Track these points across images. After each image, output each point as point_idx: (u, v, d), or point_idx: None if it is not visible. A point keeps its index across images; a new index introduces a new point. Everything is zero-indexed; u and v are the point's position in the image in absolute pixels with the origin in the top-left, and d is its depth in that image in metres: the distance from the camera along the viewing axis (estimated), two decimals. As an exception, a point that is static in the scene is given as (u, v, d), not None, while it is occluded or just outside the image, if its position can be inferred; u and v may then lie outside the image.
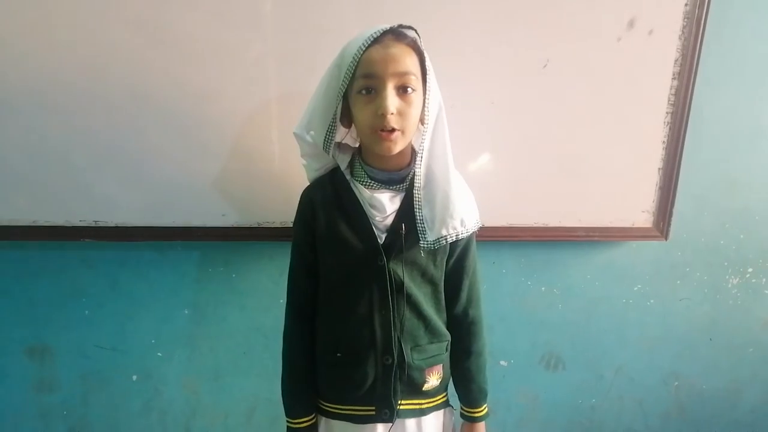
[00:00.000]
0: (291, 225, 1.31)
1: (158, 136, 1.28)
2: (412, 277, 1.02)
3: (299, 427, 1.08)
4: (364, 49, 0.88)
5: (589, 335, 1.59)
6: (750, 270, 1.60)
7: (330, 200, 1.03)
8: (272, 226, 1.35)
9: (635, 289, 1.58)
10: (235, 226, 1.35)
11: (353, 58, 0.88)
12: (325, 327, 1.07)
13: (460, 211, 0.98)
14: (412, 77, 0.90)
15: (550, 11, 1.28)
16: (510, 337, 1.55)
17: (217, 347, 1.49)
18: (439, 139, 0.95)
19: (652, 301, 1.59)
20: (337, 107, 0.95)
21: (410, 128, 0.93)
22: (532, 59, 1.31)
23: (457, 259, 1.07)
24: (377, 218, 1.00)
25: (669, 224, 1.46)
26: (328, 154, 1.01)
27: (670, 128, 1.39)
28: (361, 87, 0.91)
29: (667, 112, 1.38)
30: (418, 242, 0.98)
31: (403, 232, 0.98)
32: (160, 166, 1.30)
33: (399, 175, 1.01)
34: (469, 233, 1.02)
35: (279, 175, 1.32)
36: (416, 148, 0.99)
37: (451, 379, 1.15)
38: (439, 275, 1.06)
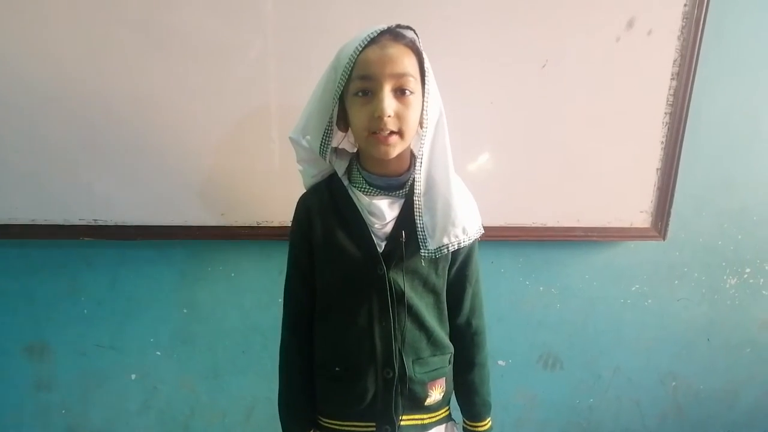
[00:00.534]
0: (290, 224, 1.31)
1: (157, 135, 1.28)
2: (413, 286, 0.98)
3: None
4: (360, 49, 0.85)
5: (587, 335, 1.60)
6: (748, 270, 1.60)
7: (327, 207, 0.99)
8: (271, 225, 1.36)
9: (633, 289, 1.58)
10: (234, 225, 1.35)
11: (349, 59, 0.85)
12: (323, 339, 1.03)
13: (461, 218, 0.94)
14: (410, 79, 0.87)
15: (549, 11, 1.28)
16: (508, 337, 1.56)
17: (215, 346, 1.49)
18: (440, 144, 0.92)
19: (650, 301, 1.59)
20: (333, 110, 0.92)
21: (409, 132, 0.89)
22: (531, 59, 1.31)
23: (459, 268, 1.04)
24: (376, 226, 0.96)
25: (667, 224, 1.46)
26: (325, 159, 0.98)
27: (668, 128, 1.39)
28: (357, 89, 0.87)
29: (665, 113, 1.38)
30: (419, 250, 0.94)
31: (403, 240, 0.94)
32: (159, 165, 1.30)
33: (398, 181, 0.97)
34: (472, 241, 0.99)
35: (278, 175, 1.32)
36: (415, 152, 0.96)
37: (453, 392, 1.11)
38: (442, 284, 1.02)
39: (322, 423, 1.06)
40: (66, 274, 1.41)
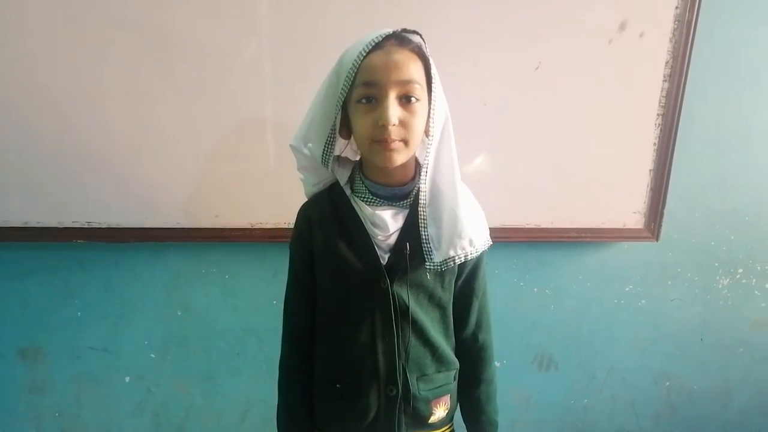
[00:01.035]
0: (284, 226, 1.32)
1: (151, 137, 1.28)
2: (418, 300, 0.95)
3: None
4: (364, 54, 0.81)
5: (581, 336, 1.60)
6: (740, 270, 1.61)
7: (329, 218, 0.95)
8: (265, 227, 1.36)
9: (627, 289, 1.58)
10: (228, 227, 1.35)
11: (353, 64, 0.82)
12: (324, 355, 1.00)
13: (468, 229, 0.90)
14: (416, 86, 0.83)
15: (542, 13, 1.29)
16: (502, 338, 1.55)
17: (210, 348, 1.49)
18: (446, 153, 0.88)
19: (643, 301, 1.60)
20: (336, 117, 0.89)
21: (414, 140, 0.85)
22: (524, 61, 1.32)
23: (465, 280, 1.00)
24: (379, 237, 0.92)
25: (660, 225, 1.47)
26: (327, 168, 0.94)
27: (660, 130, 1.40)
28: (360, 96, 0.84)
29: (657, 114, 1.39)
30: (424, 263, 0.91)
31: (408, 252, 0.90)
32: (152, 168, 1.30)
33: (402, 191, 0.93)
34: (479, 253, 0.95)
35: (272, 177, 1.32)
36: (420, 161, 0.93)
37: (458, 409, 1.08)
38: (448, 298, 0.98)
39: None
40: (60, 276, 1.40)
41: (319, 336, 1.01)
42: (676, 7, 1.32)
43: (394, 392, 0.94)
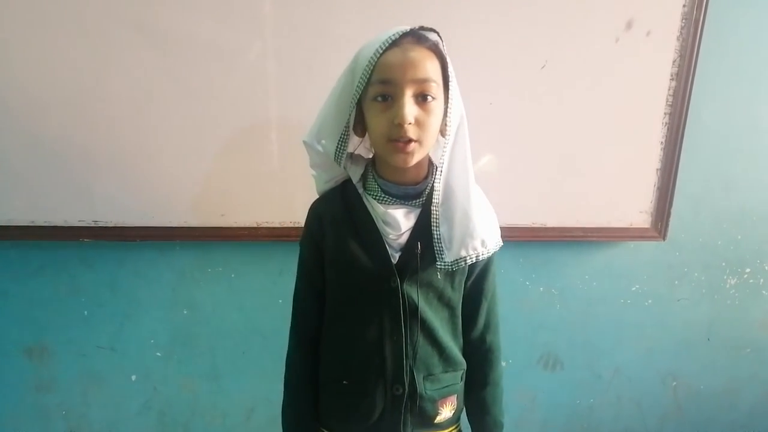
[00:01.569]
0: (290, 225, 1.32)
1: (157, 136, 1.28)
2: (428, 300, 0.94)
3: None
4: (381, 52, 0.80)
5: (587, 335, 1.60)
6: (748, 270, 1.61)
7: (340, 216, 0.94)
8: (271, 226, 1.36)
9: (633, 289, 1.58)
10: (233, 225, 1.35)
11: (369, 61, 0.81)
12: (332, 352, 0.99)
13: (480, 230, 0.90)
14: (433, 84, 0.82)
15: (549, 12, 1.29)
16: (508, 338, 1.53)
17: (215, 347, 1.49)
18: (460, 153, 0.87)
19: (650, 301, 1.59)
20: (350, 115, 0.88)
21: (429, 139, 0.85)
22: (531, 60, 1.31)
23: (475, 281, 0.99)
24: (391, 236, 0.91)
25: (667, 225, 1.46)
26: (340, 165, 0.93)
27: (668, 129, 1.39)
28: (376, 93, 0.83)
29: (665, 113, 1.38)
30: (435, 263, 0.90)
31: (419, 252, 0.89)
32: (158, 167, 1.30)
33: (415, 190, 0.92)
34: (490, 254, 0.94)
35: (278, 175, 1.32)
36: (434, 159, 0.93)
37: (464, 410, 1.07)
38: (457, 298, 0.98)
39: None
40: (66, 275, 1.41)
41: (326, 333, 1.00)
42: (684, 6, 1.32)
43: (401, 391, 0.94)
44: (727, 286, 1.62)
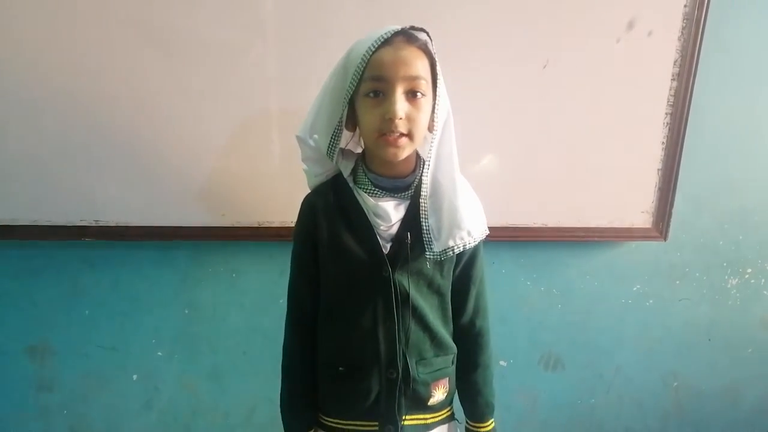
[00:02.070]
0: (291, 225, 1.31)
1: (158, 136, 1.28)
2: (418, 288, 0.98)
3: None
4: (373, 50, 0.84)
5: (588, 335, 1.60)
6: (749, 270, 1.61)
7: (332, 208, 0.98)
8: (272, 225, 1.36)
9: (634, 289, 1.58)
10: (235, 225, 1.35)
11: (362, 59, 0.85)
12: (327, 340, 1.03)
13: (467, 220, 0.94)
14: (423, 82, 0.86)
15: (550, 12, 1.29)
16: (509, 338, 1.56)
17: (217, 347, 1.49)
18: (446, 147, 0.92)
19: (651, 301, 1.59)
20: (343, 111, 0.91)
21: (418, 134, 0.89)
22: (532, 60, 1.31)
23: (463, 269, 1.03)
24: (381, 227, 0.95)
25: (668, 225, 1.46)
26: (332, 159, 0.96)
27: (669, 129, 1.39)
28: (368, 90, 0.87)
29: (666, 113, 1.38)
30: (424, 252, 0.94)
31: (409, 242, 0.93)
32: (160, 166, 1.30)
33: (404, 183, 0.96)
34: (477, 243, 0.98)
35: (279, 175, 1.32)
36: (421, 154, 0.96)
37: (456, 393, 1.11)
38: (447, 285, 1.02)
39: (324, 422, 1.06)
40: (68, 275, 1.41)
41: (322, 321, 1.04)
42: (685, 6, 1.32)
43: (395, 375, 0.97)
44: (729, 286, 1.61)
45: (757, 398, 1.73)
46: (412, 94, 0.87)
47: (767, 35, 1.41)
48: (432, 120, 0.90)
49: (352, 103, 0.92)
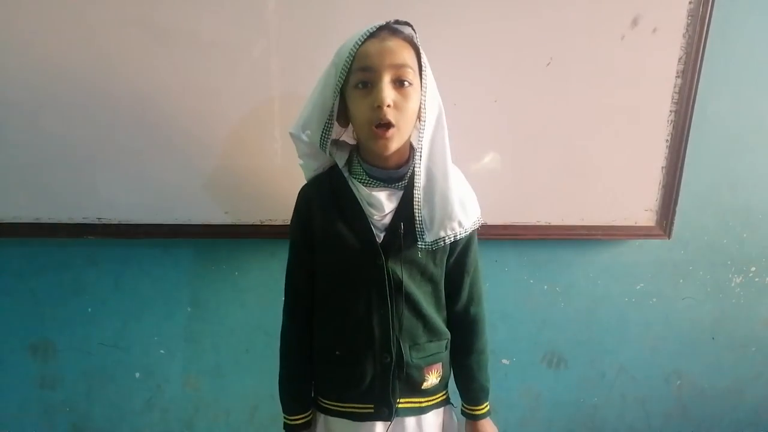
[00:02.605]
0: (293, 223, 1.31)
1: (161, 134, 1.28)
2: (412, 276, 1.01)
3: (295, 424, 1.08)
4: (360, 43, 0.88)
5: (591, 334, 1.59)
6: (753, 269, 1.60)
7: (327, 198, 1.01)
8: (274, 223, 1.36)
9: (638, 287, 1.57)
10: (237, 223, 1.35)
11: (349, 53, 0.88)
12: (323, 326, 1.06)
13: (458, 211, 0.97)
14: (409, 70, 0.89)
15: (554, 8, 1.28)
16: (512, 336, 1.55)
17: (219, 345, 1.49)
18: (439, 139, 0.94)
19: (654, 299, 1.59)
20: (333, 104, 0.95)
21: (407, 124, 0.92)
22: (536, 57, 1.31)
23: (457, 258, 1.06)
24: (375, 217, 0.98)
25: (672, 223, 1.45)
26: (325, 152, 1.00)
27: (673, 126, 1.39)
28: (357, 81, 0.90)
29: (670, 111, 1.38)
30: (417, 242, 0.97)
31: (402, 231, 0.97)
32: (162, 164, 1.30)
33: (397, 173, 0.99)
34: (468, 233, 1.01)
35: (281, 173, 1.32)
36: (414, 145, 0.98)
37: (452, 377, 1.15)
38: (440, 273, 1.05)
39: (322, 404, 1.09)
40: (70, 272, 1.41)
41: (318, 308, 1.07)
42: (690, 3, 1.31)
43: (389, 360, 1.01)
44: (733, 284, 1.61)
45: (761, 397, 1.72)
46: (399, 83, 0.90)
47: (772, 32, 1.40)
48: (420, 109, 0.93)
49: (343, 98, 0.96)
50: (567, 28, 1.30)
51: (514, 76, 1.31)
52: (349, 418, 1.06)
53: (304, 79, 1.24)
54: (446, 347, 1.09)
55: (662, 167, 1.42)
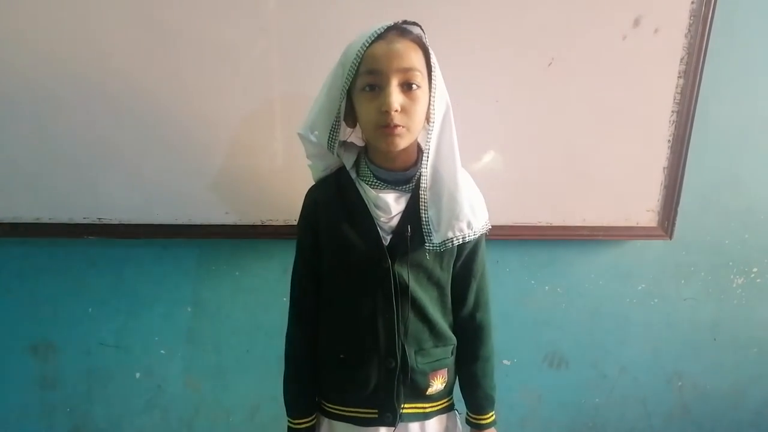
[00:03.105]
0: (294, 223, 1.31)
1: (161, 134, 1.28)
2: (418, 280, 1.00)
3: (299, 428, 1.07)
4: (367, 45, 0.87)
5: (592, 334, 1.59)
6: (755, 270, 1.60)
7: (334, 200, 1.00)
8: (275, 223, 1.35)
9: (639, 288, 1.57)
10: (238, 223, 1.35)
11: (356, 54, 0.87)
12: (328, 329, 1.05)
13: (467, 213, 0.96)
14: (417, 73, 0.88)
15: (556, 9, 1.28)
16: (513, 336, 1.55)
17: (220, 345, 1.49)
18: (446, 139, 0.93)
19: (656, 300, 1.59)
20: (340, 105, 0.94)
21: (415, 126, 0.91)
22: (537, 57, 1.30)
23: (464, 262, 1.05)
24: (382, 219, 0.97)
25: (674, 223, 1.45)
26: (333, 153, 0.99)
27: (675, 127, 1.38)
28: (364, 84, 0.89)
29: (672, 111, 1.37)
30: (424, 244, 0.96)
31: (409, 234, 0.95)
32: (163, 164, 1.30)
33: (405, 176, 0.98)
34: (477, 236, 1.00)
35: (282, 173, 1.32)
36: (422, 146, 0.96)
37: (457, 384, 1.13)
38: (446, 278, 1.04)
39: (326, 408, 1.09)
40: (70, 272, 1.41)
41: (323, 310, 1.06)
42: (692, 2, 1.30)
43: (393, 364, 0.99)
44: (734, 285, 1.61)
45: (763, 398, 1.72)
46: (407, 86, 0.88)
47: (775, 32, 1.40)
48: (429, 111, 0.92)
49: (350, 100, 0.95)
50: (568, 28, 1.29)
51: (516, 76, 1.31)
52: (352, 423, 1.05)
53: (306, 79, 1.24)
54: (452, 353, 1.08)
55: (664, 168, 1.41)
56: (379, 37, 0.87)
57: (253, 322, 1.47)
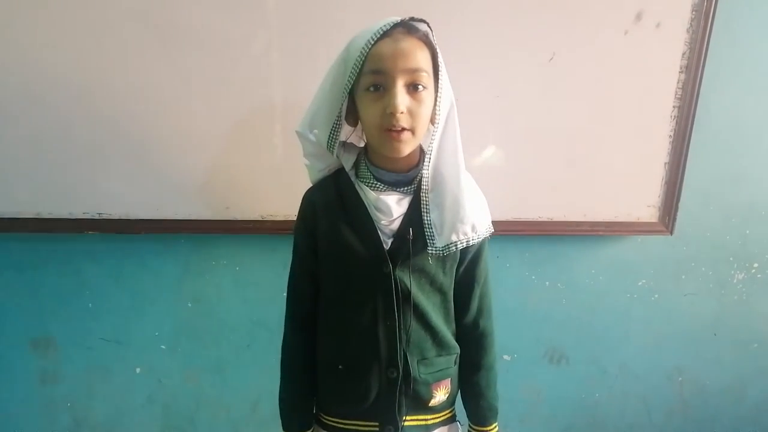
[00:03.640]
0: (294, 218, 1.30)
1: (162, 129, 1.28)
2: (420, 285, 0.95)
3: None
4: (372, 43, 0.82)
5: (593, 330, 1.59)
6: (756, 265, 1.59)
7: (333, 203, 0.96)
8: (275, 219, 1.35)
9: (640, 284, 1.57)
10: (238, 219, 1.35)
11: (360, 52, 0.82)
12: (327, 337, 1.01)
13: (471, 215, 0.92)
14: (424, 74, 0.84)
15: (557, 4, 1.27)
16: (514, 332, 1.55)
17: (220, 340, 1.49)
18: (450, 140, 0.89)
19: (656, 296, 1.58)
20: (342, 104, 0.90)
21: (421, 128, 0.87)
22: (538, 52, 1.30)
23: (467, 267, 1.01)
24: (383, 222, 0.92)
25: (674, 219, 1.45)
26: (333, 153, 0.95)
27: (676, 122, 1.38)
28: (368, 84, 0.84)
29: (673, 106, 1.37)
30: (426, 248, 0.92)
31: (411, 238, 0.91)
32: (163, 159, 1.30)
33: (407, 177, 0.94)
34: (481, 239, 0.96)
35: (282, 168, 1.31)
36: (425, 148, 0.93)
37: (459, 394, 1.09)
38: (449, 283, 1.00)
39: (324, 420, 1.04)
40: (71, 267, 1.41)
41: (321, 318, 1.02)
42: (694, -3, 1.30)
43: (395, 374, 0.95)
44: (735, 281, 1.60)
45: (763, 394, 1.72)
46: (413, 87, 0.84)
47: (777, 27, 1.40)
48: (434, 112, 0.88)
49: (352, 98, 0.91)
50: (570, 23, 1.29)
51: (517, 71, 1.31)
52: None
53: (305, 75, 1.24)
54: (455, 362, 1.04)
55: (665, 163, 1.41)
56: (385, 34, 0.82)
57: (253, 318, 1.47)
